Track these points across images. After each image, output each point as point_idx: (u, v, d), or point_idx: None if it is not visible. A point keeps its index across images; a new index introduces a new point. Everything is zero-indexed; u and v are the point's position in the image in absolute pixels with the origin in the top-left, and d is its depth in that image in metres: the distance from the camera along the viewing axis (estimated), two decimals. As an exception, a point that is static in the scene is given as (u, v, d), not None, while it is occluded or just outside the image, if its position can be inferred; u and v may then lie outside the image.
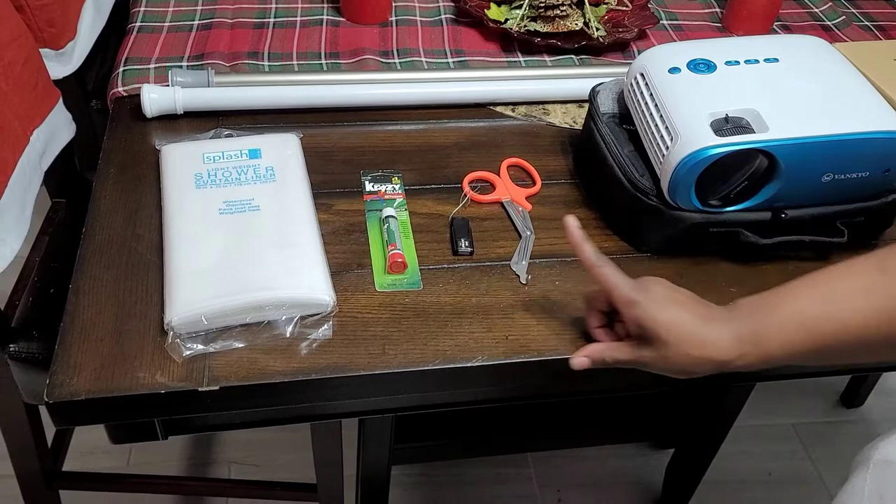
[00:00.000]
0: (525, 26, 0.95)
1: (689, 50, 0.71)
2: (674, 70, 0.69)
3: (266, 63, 0.88)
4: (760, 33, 1.02)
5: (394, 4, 1.00)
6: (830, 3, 1.09)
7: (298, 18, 0.96)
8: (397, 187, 0.74)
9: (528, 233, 0.71)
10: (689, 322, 0.54)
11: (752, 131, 0.64)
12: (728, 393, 1.12)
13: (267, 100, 0.82)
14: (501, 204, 0.74)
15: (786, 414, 1.53)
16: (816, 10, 1.09)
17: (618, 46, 0.96)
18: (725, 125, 0.64)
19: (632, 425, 1.16)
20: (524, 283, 0.67)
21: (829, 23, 1.06)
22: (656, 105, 0.68)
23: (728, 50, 0.71)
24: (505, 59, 0.93)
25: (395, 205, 0.72)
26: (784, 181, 0.65)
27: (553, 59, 0.94)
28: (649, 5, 1.03)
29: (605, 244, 0.71)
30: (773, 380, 0.73)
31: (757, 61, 0.70)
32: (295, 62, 0.89)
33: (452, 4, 1.02)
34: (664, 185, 0.66)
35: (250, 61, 0.88)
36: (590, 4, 0.97)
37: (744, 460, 1.44)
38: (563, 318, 0.64)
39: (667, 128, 0.66)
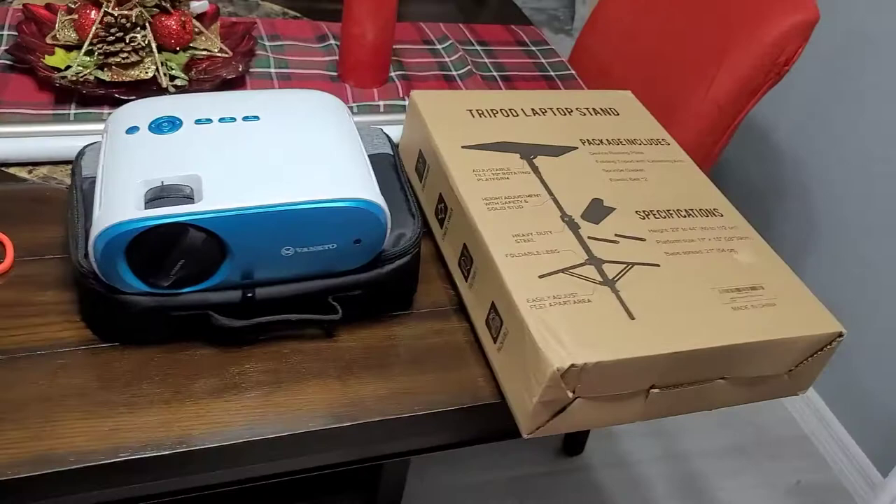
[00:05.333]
0: (87, 74, 0.84)
1: (163, 106, 0.62)
2: (132, 130, 0.60)
3: None
4: (374, 83, 0.96)
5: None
6: (461, 53, 1.05)
7: None
8: None
9: (-29, 324, 0.59)
10: None
11: (190, 201, 0.55)
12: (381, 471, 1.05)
13: None
14: (-44, 288, 0.62)
15: (506, 468, 1.48)
16: (447, 59, 1.05)
17: (197, 97, 0.86)
18: (161, 195, 0.56)
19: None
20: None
21: (453, 73, 1.02)
22: (102, 170, 0.58)
23: (207, 106, 0.63)
24: (51, 112, 0.81)
25: None
26: (236, 257, 0.56)
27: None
28: (258, 52, 0.95)
29: (64, 333, 0.60)
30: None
31: (234, 119, 0.62)
32: None
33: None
34: (95, 267, 0.56)
35: None
36: (170, 51, 0.88)
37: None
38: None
39: (100, 198, 0.56)
